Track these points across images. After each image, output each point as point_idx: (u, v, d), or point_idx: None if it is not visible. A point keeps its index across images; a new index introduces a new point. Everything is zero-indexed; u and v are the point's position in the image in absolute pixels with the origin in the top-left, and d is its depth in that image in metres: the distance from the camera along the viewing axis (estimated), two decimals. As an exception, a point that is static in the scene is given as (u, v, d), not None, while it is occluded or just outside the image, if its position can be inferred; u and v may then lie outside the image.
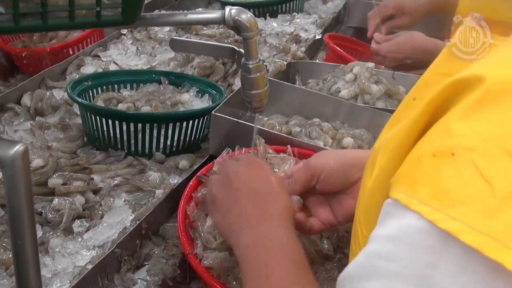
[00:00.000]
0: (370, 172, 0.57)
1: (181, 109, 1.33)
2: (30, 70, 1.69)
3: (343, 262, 0.89)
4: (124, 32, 1.79)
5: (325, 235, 0.92)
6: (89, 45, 1.73)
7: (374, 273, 0.46)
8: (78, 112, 1.33)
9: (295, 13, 2.08)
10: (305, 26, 1.97)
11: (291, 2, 2.11)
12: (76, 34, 1.74)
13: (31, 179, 0.58)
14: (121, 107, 1.30)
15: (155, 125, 1.21)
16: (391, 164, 0.52)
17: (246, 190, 0.76)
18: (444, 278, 0.43)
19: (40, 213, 1.03)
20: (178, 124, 1.21)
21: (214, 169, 0.99)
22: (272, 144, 1.07)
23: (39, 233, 0.98)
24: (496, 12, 0.60)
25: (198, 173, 1.01)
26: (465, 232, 0.41)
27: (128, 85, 1.40)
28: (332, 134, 1.24)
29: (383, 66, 1.64)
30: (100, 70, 1.57)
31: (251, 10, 1.97)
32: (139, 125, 1.20)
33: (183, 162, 1.21)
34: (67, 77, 1.56)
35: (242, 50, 0.90)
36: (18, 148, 0.54)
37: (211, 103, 1.32)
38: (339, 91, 1.44)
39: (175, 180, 1.14)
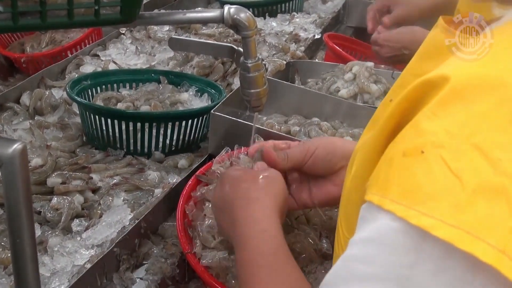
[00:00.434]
0: (349, 173, 0.58)
1: (180, 108, 1.33)
2: (29, 73, 1.69)
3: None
4: (123, 32, 1.79)
5: (324, 234, 0.92)
6: (88, 45, 1.73)
7: (352, 277, 0.46)
8: (77, 112, 1.33)
9: (294, 13, 2.08)
10: (305, 25, 1.97)
11: (291, 2, 2.11)
12: (73, 35, 1.74)
13: (29, 177, 0.58)
14: (120, 106, 1.30)
15: (154, 124, 1.21)
16: (366, 165, 0.53)
17: (238, 193, 0.78)
18: (424, 277, 0.43)
19: (39, 212, 1.03)
20: (177, 123, 1.21)
21: (213, 168, 0.99)
22: (271, 144, 1.07)
23: (38, 232, 0.98)
24: None
25: (197, 172, 1.01)
26: (437, 227, 0.42)
27: (127, 85, 1.39)
28: (331, 134, 1.24)
29: (382, 66, 1.64)
30: (99, 69, 1.57)
31: (251, 9, 1.96)
32: (138, 124, 1.19)
33: (182, 161, 1.21)
34: (66, 76, 1.56)
35: (241, 49, 0.90)
36: (17, 146, 0.54)
37: (210, 102, 1.32)
38: (338, 91, 1.44)
39: (174, 179, 1.14)
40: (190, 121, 1.23)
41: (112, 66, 1.59)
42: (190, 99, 1.35)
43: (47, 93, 1.40)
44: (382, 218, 0.45)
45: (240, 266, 0.71)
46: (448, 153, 0.44)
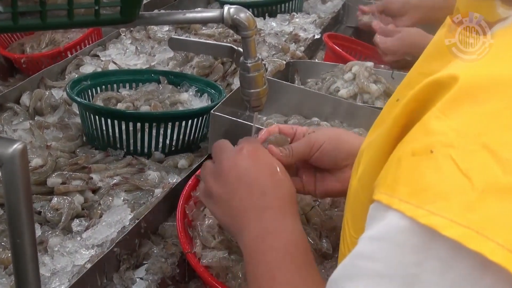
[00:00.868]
0: (356, 173, 0.58)
1: (180, 108, 1.33)
2: (29, 73, 1.69)
3: (342, 261, 0.89)
4: (123, 32, 1.79)
5: (324, 234, 0.92)
6: (88, 45, 1.73)
7: (359, 274, 0.46)
8: (77, 112, 1.33)
9: (294, 13, 2.08)
10: (304, 25, 1.97)
11: (290, 2, 2.11)
12: (73, 35, 1.74)
13: (29, 177, 0.58)
14: (120, 106, 1.30)
15: (154, 124, 1.21)
16: (374, 165, 0.53)
17: (246, 181, 0.76)
18: (431, 276, 0.43)
19: (39, 212, 1.03)
20: (177, 123, 1.21)
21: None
22: (271, 143, 1.07)
23: (38, 232, 0.98)
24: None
25: (197, 172, 1.01)
26: (447, 226, 0.42)
27: (127, 85, 1.39)
28: (331, 133, 1.24)
29: (382, 66, 1.64)
30: (99, 69, 1.57)
31: (250, 9, 1.95)
32: (138, 125, 1.19)
33: (182, 161, 1.21)
34: (66, 76, 1.56)
35: (241, 49, 0.90)
36: (17, 146, 0.54)
37: (210, 102, 1.32)
38: (338, 91, 1.44)
39: (174, 179, 1.14)
40: (190, 121, 1.23)
41: (112, 66, 1.59)
42: (190, 99, 1.35)
43: (47, 93, 1.40)
44: (391, 217, 0.45)
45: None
46: (457, 152, 0.44)
